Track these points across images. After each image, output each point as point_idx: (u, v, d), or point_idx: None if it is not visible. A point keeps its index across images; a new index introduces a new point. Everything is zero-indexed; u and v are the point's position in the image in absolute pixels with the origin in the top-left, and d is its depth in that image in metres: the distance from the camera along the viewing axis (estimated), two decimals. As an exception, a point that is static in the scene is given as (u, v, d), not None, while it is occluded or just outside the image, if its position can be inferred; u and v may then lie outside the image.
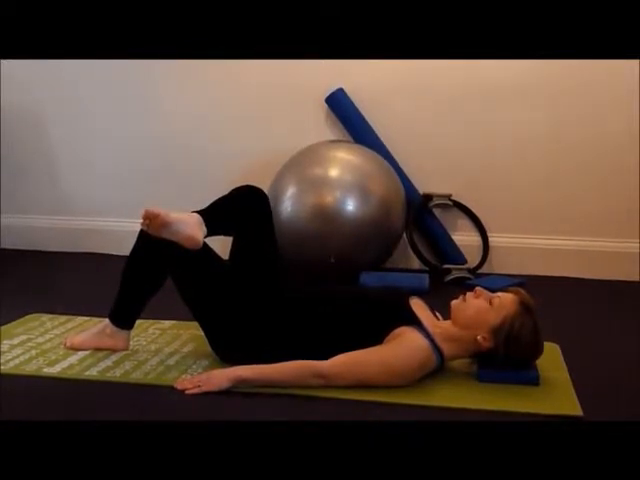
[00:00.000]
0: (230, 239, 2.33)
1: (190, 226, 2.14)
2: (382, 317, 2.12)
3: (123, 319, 2.34)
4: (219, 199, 2.32)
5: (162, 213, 2.09)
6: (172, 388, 2.04)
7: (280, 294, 2.24)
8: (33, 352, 2.35)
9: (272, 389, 2.01)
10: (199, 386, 2.01)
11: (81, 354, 2.32)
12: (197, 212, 2.22)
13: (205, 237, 2.20)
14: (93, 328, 2.41)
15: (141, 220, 2.10)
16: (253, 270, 2.27)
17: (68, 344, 2.38)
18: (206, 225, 2.20)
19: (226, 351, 2.23)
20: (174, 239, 2.13)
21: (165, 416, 1.89)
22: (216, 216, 2.26)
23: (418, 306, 2.19)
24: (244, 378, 2.02)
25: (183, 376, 2.13)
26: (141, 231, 2.21)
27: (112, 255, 3.82)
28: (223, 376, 2.02)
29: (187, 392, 2.01)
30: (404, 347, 2.04)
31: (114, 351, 2.34)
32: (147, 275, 2.28)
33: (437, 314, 2.26)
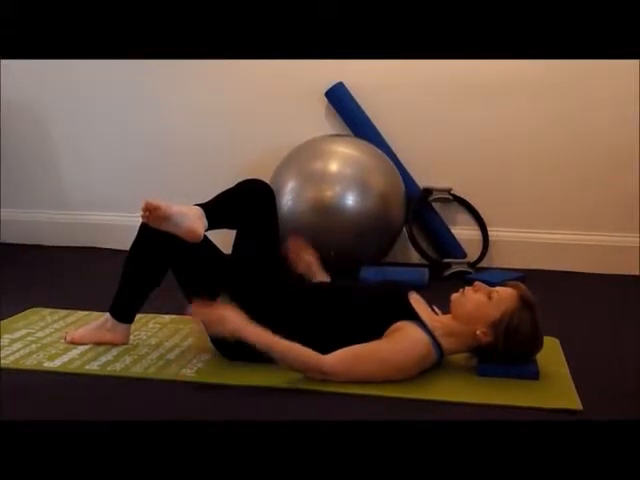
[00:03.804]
0: (233, 232, 2.33)
1: (191, 219, 2.14)
2: (381, 312, 2.12)
3: (123, 313, 2.34)
4: (223, 192, 2.32)
5: (162, 205, 2.09)
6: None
7: (280, 289, 2.24)
8: (33, 346, 2.35)
9: (272, 384, 2.02)
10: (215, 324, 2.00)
11: (81, 348, 2.33)
12: (199, 205, 2.22)
13: (207, 230, 2.20)
14: (93, 322, 2.41)
15: (141, 212, 2.10)
16: (254, 265, 2.27)
17: (68, 339, 2.38)
18: (208, 218, 2.19)
19: (226, 345, 2.23)
20: (174, 232, 2.13)
21: (164, 411, 1.89)
22: (219, 209, 2.26)
23: (416, 301, 2.19)
24: (250, 341, 1.99)
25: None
26: (142, 224, 2.20)
27: (113, 249, 3.82)
28: (232, 328, 1.99)
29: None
30: (403, 341, 2.04)
31: (114, 345, 2.35)
32: (147, 268, 2.27)
33: (435, 309, 2.25)
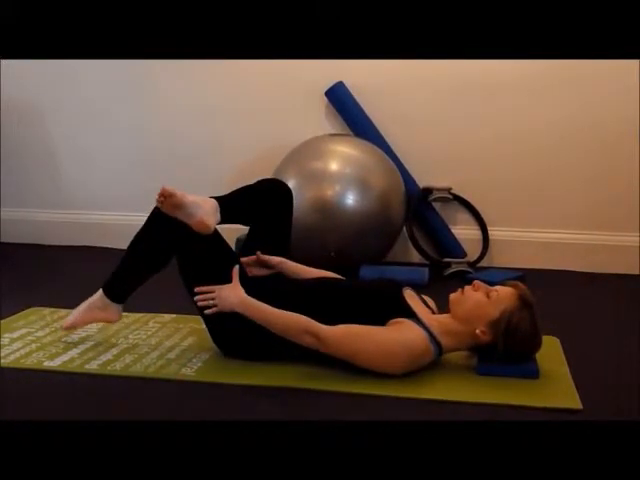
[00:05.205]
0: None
1: (204, 211, 2.15)
2: (377, 309, 2.12)
3: (118, 292, 2.31)
4: (242, 188, 2.32)
5: (178, 193, 2.09)
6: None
7: (281, 287, 2.24)
8: (33, 346, 2.35)
9: (272, 384, 2.03)
10: (215, 305, 2.09)
11: (81, 347, 2.33)
12: (215, 198, 2.22)
13: (219, 224, 2.20)
14: (82, 304, 2.37)
15: (156, 197, 2.10)
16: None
17: (65, 326, 2.36)
18: (222, 212, 2.20)
19: (227, 343, 2.23)
20: (186, 221, 2.13)
21: (164, 411, 1.90)
22: (235, 205, 2.26)
23: (411, 297, 2.19)
24: (244, 314, 2.06)
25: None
26: (155, 208, 2.20)
27: (112, 248, 3.82)
28: (230, 303, 2.08)
29: (206, 312, 2.10)
30: (403, 334, 2.04)
31: (108, 323, 2.36)
32: (152, 252, 2.24)
33: (430, 304, 2.26)
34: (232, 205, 2.25)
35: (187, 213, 2.12)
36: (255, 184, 2.35)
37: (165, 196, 2.09)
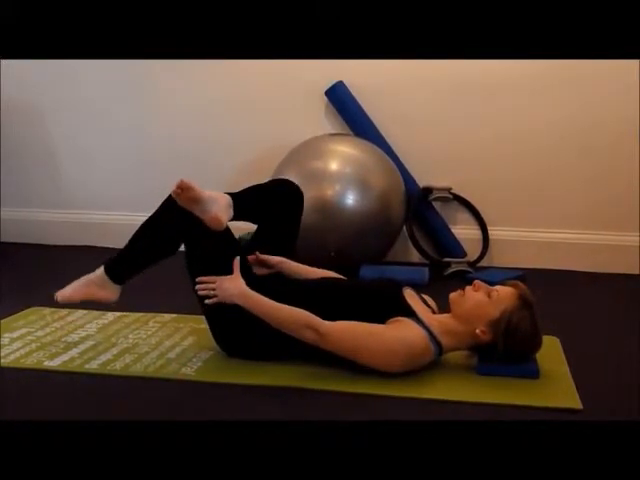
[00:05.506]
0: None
1: (219, 206, 2.15)
2: (376, 309, 2.12)
3: (119, 273, 2.29)
4: (254, 186, 2.33)
5: (196, 188, 2.10)
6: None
7: (281, 287, 2.24)
8: (33, 345, 2.35)
9: (272, 383, 2.03)
10: (216, 295, 2.08)
11: (81, 347, 2.33)
12: (229, 194, 2.22)
13: (230, 220, 2.21)
14: (81, 279, 2.34)
15: (173, 187, 2.10)
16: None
17: (59, 298, 2.33)
18: (234, 209, 2.20)
19: (228, 341, 2.23)
20: (200, 216, 2.14)
21: (164, 411, 1.90)
22: (246, 203, 2.26)
23: (412, 297, 2.19)
24: (244, 306, 2.06)
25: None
26: (169, 197, 2.19)
27: (113, 248, 3.81)
28: (230, 294, 2.07)
29: (206, 302, 2.09)
30: (402, 333, 2.04)
31: (105, 302, 2.31)
32: (161, 240, 2.24)
33: (430, 303, 2.26)
34: (244, 203, 2.26)
35: (202, 208, 2.13)
36: (267, 183, 2.36)
37: (183, 189, 2.10)
